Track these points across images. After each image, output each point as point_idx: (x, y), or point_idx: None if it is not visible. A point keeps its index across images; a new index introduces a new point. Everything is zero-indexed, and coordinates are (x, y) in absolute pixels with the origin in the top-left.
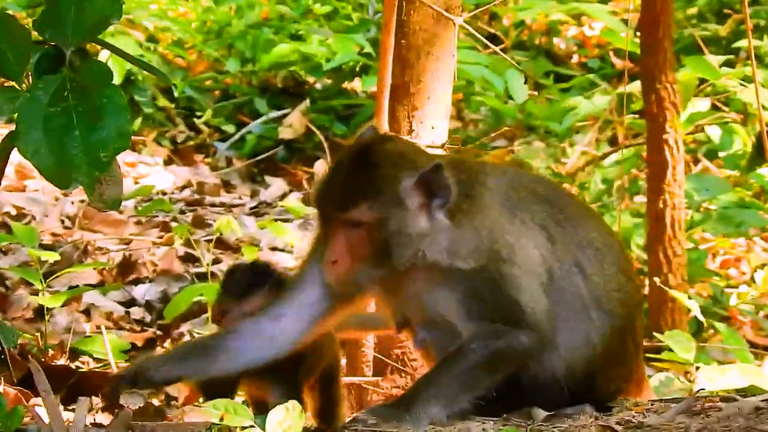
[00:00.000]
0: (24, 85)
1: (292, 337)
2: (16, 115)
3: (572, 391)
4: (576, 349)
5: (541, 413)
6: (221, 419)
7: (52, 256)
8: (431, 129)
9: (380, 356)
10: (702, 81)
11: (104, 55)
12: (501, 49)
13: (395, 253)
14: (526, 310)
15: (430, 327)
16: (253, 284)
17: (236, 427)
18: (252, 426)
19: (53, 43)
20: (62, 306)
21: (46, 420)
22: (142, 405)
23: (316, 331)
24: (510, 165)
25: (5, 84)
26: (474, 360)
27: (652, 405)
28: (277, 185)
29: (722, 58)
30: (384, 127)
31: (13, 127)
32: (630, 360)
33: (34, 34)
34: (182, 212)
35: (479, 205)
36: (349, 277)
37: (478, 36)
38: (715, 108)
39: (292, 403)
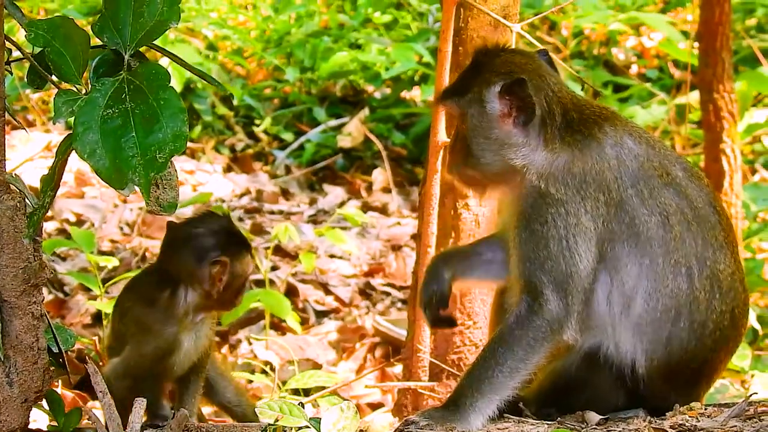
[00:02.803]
0: (83, 88)
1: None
2: (73, 118)
3: (639, 387)
4: (655, 343)
5: (595, 417)
6: (276, 420)
7: (110, 261)
8: None
9: (436, 361)
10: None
11: (164, 63)
12: (560, 59)
13: (474, 151)
14: (572, 275)
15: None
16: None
17: (291, 427)
18: (307, 427)
19: (112, 47)
20: None
21: (104, 421)
22: None
23: None
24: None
25: (64, 87)
26: (512, 345)
27: (705, 410)
28: (335, 193)
29: None
30: (441, 134)
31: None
32: (698, 389)
33: (94, 39)
34: (240, 220)
35: (589, 146)
36: (455, 171)
37: (537, 44)
38: None
39: (347, 404)
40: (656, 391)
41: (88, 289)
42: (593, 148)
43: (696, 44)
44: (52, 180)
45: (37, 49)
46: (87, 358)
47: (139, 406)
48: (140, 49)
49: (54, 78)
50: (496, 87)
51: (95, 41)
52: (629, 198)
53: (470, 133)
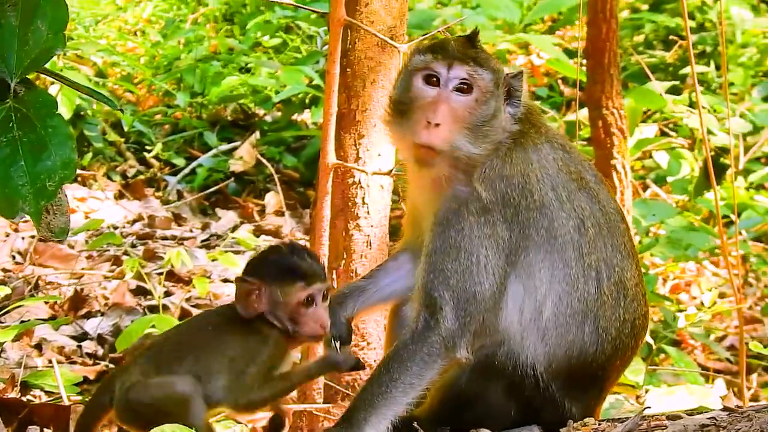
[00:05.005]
0: None
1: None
2: None
3: (534, 396)
4: (558, 346)
5: None
6: None
7: (2, 290)
8: (378, 156)
9: (331, 383)
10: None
11: (54, 90)
12: None
13: (478, 126)
14: (475, 294)
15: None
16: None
17: None
18: None
19: None
20: (13, 341)
21: None
22: None
23: None
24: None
25: None
26: (406, 361)
27: (599, 425)
28: (227, 217)
29: (668, 84)
30: (330, 155)
31: None
32: (592, 397)
33: None
34: (133, 246)
35: (515, 150)
36: (449, 144)
37: None
38: (663, 134)
39: (240, 428)
40: (550, 399)
41: None
42: (519, 152)
43: (585, 61)
44: None
45: None
46: None
47: None
48: (29, 76)
49: None
50: (507, 73)
51: None
52: (549, 202)
53: (477, 106)
